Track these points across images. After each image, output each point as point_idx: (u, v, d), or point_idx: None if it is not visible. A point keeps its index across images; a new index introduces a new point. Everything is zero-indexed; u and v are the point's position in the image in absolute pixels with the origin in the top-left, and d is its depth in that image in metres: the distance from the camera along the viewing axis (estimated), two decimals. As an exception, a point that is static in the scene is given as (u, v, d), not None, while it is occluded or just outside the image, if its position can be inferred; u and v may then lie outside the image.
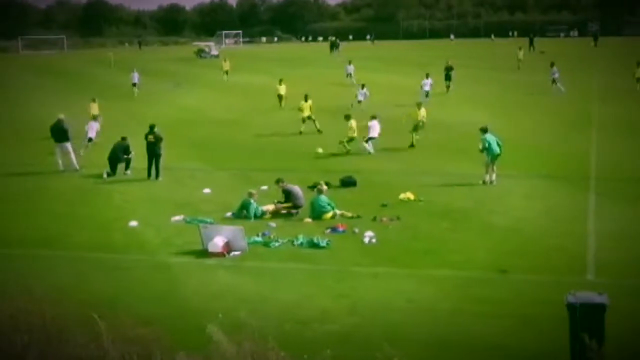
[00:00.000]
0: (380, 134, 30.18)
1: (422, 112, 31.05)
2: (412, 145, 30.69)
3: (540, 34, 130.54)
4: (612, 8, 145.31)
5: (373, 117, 30.65)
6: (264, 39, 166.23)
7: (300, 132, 35.22)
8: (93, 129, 31.43)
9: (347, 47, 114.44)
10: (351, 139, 30.25)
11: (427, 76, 45.12)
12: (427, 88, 44.34)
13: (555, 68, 49.01)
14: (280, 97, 44.32)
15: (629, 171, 25.66)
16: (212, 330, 8.87)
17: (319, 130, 34.78)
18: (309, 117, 35.49)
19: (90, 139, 31.10)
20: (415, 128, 30.96)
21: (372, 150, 29.69)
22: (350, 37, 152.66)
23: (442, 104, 43.64)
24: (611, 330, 11.01)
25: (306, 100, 35.95)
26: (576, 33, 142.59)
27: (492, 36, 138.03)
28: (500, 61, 77.30)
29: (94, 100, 37.83)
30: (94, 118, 33.16)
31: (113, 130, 32.24)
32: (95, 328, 8.99)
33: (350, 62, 60.05)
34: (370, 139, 29.94)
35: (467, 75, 57.53)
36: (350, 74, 58.74)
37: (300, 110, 35.88)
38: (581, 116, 38.42)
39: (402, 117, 32.54)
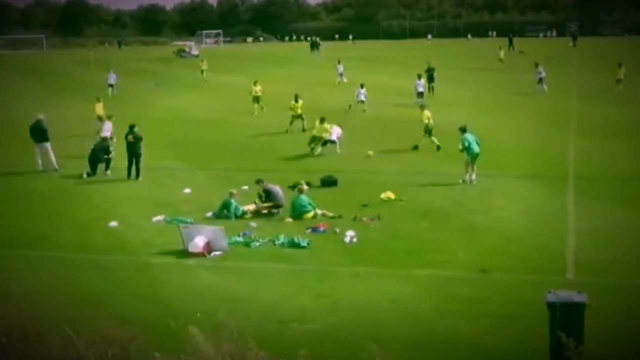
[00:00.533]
0: (339, 138, 30.28)
1: (427, 114, 30.70)
2: (416, 147, 30.28)
3: (520, 34, 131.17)
4: (590, 9, 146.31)
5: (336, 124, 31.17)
6: (250, 38, 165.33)
7: (287, 131, 35.33)
8: (108, 129, 31.11)
9: (330, 46, 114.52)
10: (317, 139, 30.21)
11: (419, 77, 44.87)
12: (420, 89, 44.24)
13: (540, 68, 49.27)
14: (255, 98, 42.98)
15: (608, 170, 25.83)
16: (191, 331, 8.84)
17: (304, 129, 34.78)
18: (299, 117, 35.54)
19: (102, 138, 30.77)
20: (426, 131, 30.50)
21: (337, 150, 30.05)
22: (337, 36, 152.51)
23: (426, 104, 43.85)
24: (591, 329, 11.08)
25: (297, 101, 36.02)
26: (555, 33, 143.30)
27: (469, 36, 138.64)
28: (481, 61, 77.52)
29: (98, 100, 37.53)
30: (99, 118, 33.05)
31: (93, 129, 32.10)
32: (75, 328, 8.93)
33: (339, 62, 60.37)
34: (329, 141, 30.14)
35: (449, 76, 57.57)
36: (341, 74, 59.02)
37: (292, 109, 35.90)
38: (561, 116, 38.60)
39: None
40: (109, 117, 31.71)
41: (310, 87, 54.58)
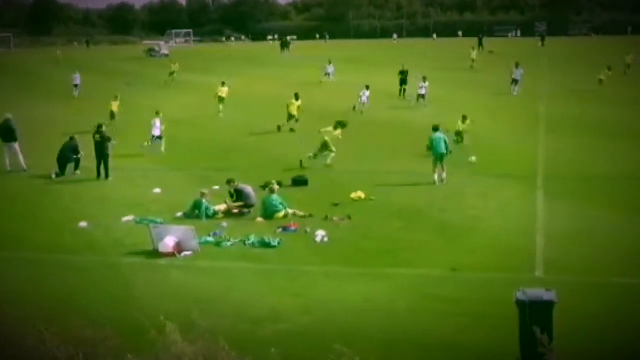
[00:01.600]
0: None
1: (467, 123, 30.71)
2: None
3: (489, 34, 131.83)
4: (558, 9, 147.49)
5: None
6: (232, 38, 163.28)
7: (280, 128, 35.39)
8: (157, 127, 31.13)
9: (301, 46, 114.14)
10: (326, 146, 28.40)
11: (424, 79, 44.51)
12: (422, 92, 43.85)
13: (520, 69, 48.94)
14: (221, 99, 42.22)
15: (577, 170, 26.09)
16: (163, 331, 8.82)
17: (280, 127, 34.85)
18: (292, 117, 35.47)
19: (154, 137, 31.04)
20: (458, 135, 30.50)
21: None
22: (317, 36, 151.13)
23: (403, 106, 44.01)
24: (560, 326, 11.20)
25: (297, 99, 35.97)
26: (519, 33, 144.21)
27: (434, 36, 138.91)
28: (451, 61, 77.63)
29: (115, 98, 37.21)
30: (112, 115, 32.81)
31: (62, 129, 31.82)
32: (46, 329, 8.87)
33: (330, 62, 60.14)
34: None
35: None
36: (329, 74, 58.92)
37: (290, 107, 35.71)
38: (531, 116, 38.87)
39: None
40: (157, 114, 31.47)
41: (297, 87, 54.31)
